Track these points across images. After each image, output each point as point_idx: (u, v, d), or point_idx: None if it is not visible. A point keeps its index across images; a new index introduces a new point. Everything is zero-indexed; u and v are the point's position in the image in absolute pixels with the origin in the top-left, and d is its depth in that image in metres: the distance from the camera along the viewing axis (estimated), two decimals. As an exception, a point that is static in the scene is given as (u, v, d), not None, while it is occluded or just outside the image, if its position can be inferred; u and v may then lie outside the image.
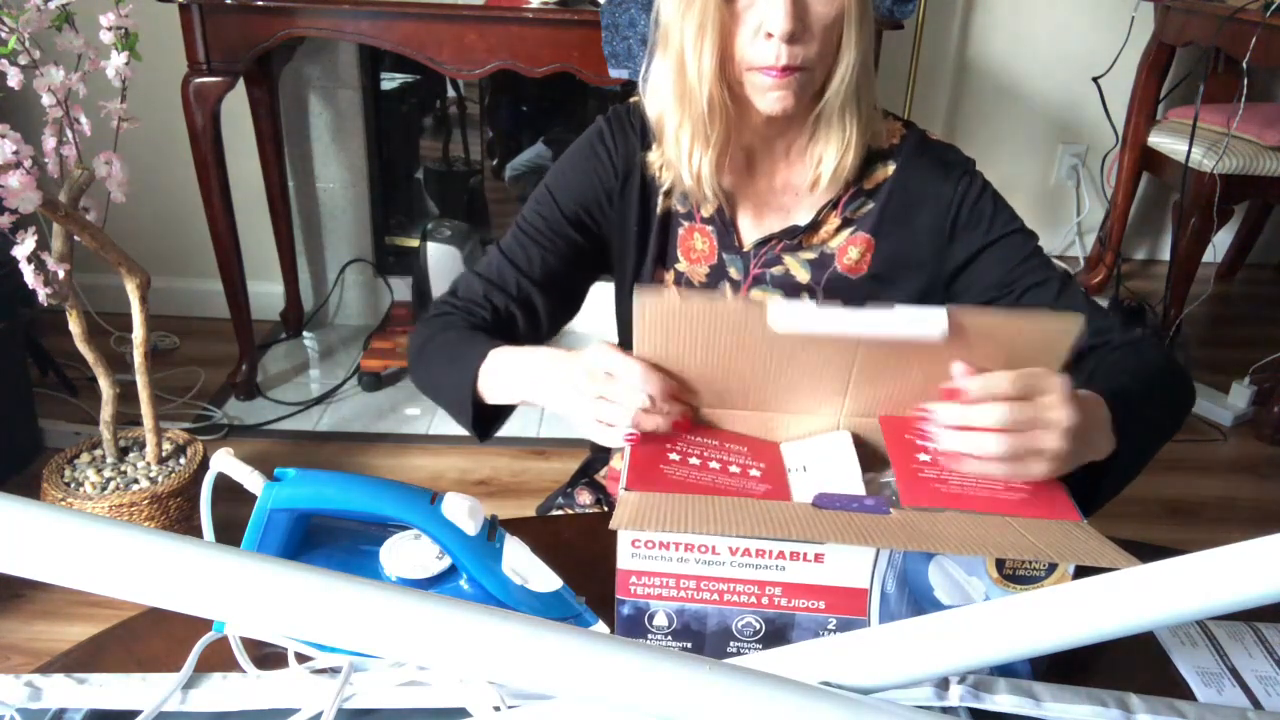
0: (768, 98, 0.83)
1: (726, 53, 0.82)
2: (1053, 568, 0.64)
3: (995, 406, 0.65)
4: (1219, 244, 2.97)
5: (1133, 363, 0.84)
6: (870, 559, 0.64)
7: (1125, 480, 0.76)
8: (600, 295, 1.03)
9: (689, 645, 0.68)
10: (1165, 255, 2.87)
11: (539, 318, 0.96)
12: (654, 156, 0.93)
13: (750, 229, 0.95)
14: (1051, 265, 0.90)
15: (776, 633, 0.67)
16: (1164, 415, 0.82)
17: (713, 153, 0.87)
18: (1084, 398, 0.70)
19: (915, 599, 0.65)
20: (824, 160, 0.88)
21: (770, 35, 0.79)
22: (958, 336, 0.68)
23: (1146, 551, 0.83)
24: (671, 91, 0.86)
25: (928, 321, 0.66)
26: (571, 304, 1.01)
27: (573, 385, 0.75)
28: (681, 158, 0.88)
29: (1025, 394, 0.66)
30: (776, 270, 0.94)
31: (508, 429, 0.93)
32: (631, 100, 0.97)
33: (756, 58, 0.81)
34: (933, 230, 0.91)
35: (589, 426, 0.74)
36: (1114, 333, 0.87)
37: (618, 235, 0.97)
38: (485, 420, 0.89)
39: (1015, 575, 0.64)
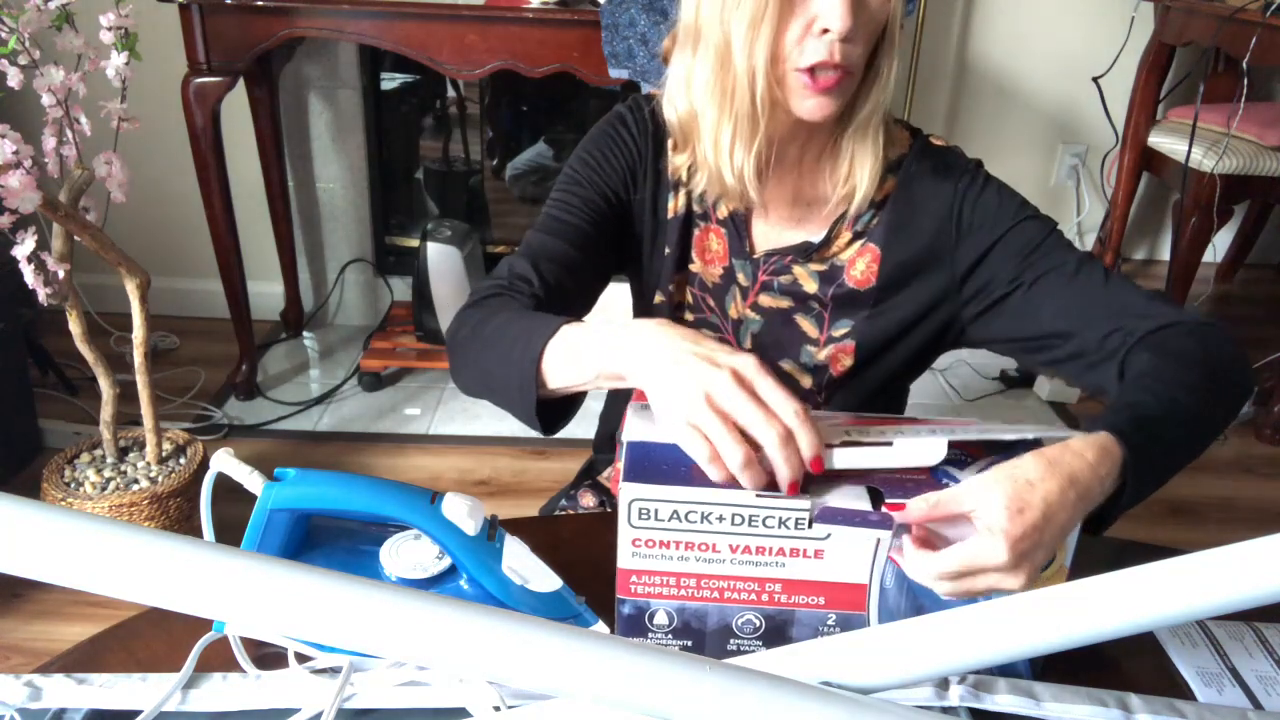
0: (808, 103, 0.79)
1: (774, 48, 0.78)
2: (1049, 561, 0.64)
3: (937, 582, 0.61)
4: (1219, 244, 2.97)
5: (1159, 366, 0.75)
6: (870, 554, 0.64)
7: (1147, 493, 0.70)
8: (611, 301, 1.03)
9: (689, 643, 0.68)
10: (1165, 255, 2.87)
11: (588, 289, 0.92)
12: (681, 159, 0.91)
13: (762, 237, 0.93)
14: (1070, 248, 0.86)
15: (776, 629, 0.67)
16: (1194, 425, 0.73)
17: (756, 151, 0.83)
18: (1066, 461, 0.61)
19: (913, 593, 0.65)
20: (859, 179, 0.85)
21: (825, 31, 0.76)
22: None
23: (1146, 551, 0.84)
24: (712, 89, 0.82)
25: (928, 451, 0.65)
26: (598, 286, 0.96)
27: (709, 383, 0.63)
28: (722, 158, 0.83)
29: (970, 567, 0.60)
30: (784, 279, 0.92)
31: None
32: (646, 93, 0.95)
33: (806, 55, 0.77)
34: (938, 234, 0.88)
35: (691, 441, 0.62)
36: (1128, 317, 0.81)
37: (646, 216, 0.95)
38: (549, 412, 0.78)
39: None
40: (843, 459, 0.64)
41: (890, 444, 0.64)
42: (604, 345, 0.70)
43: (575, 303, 0.90)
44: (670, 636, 0.68)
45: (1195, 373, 0.75)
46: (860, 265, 0.91)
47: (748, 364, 0.64)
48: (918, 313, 0.91)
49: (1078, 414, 2.43)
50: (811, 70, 0.78)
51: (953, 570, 0.60)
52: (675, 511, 0.63)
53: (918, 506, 0.61)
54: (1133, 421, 0.67)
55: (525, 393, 0.75)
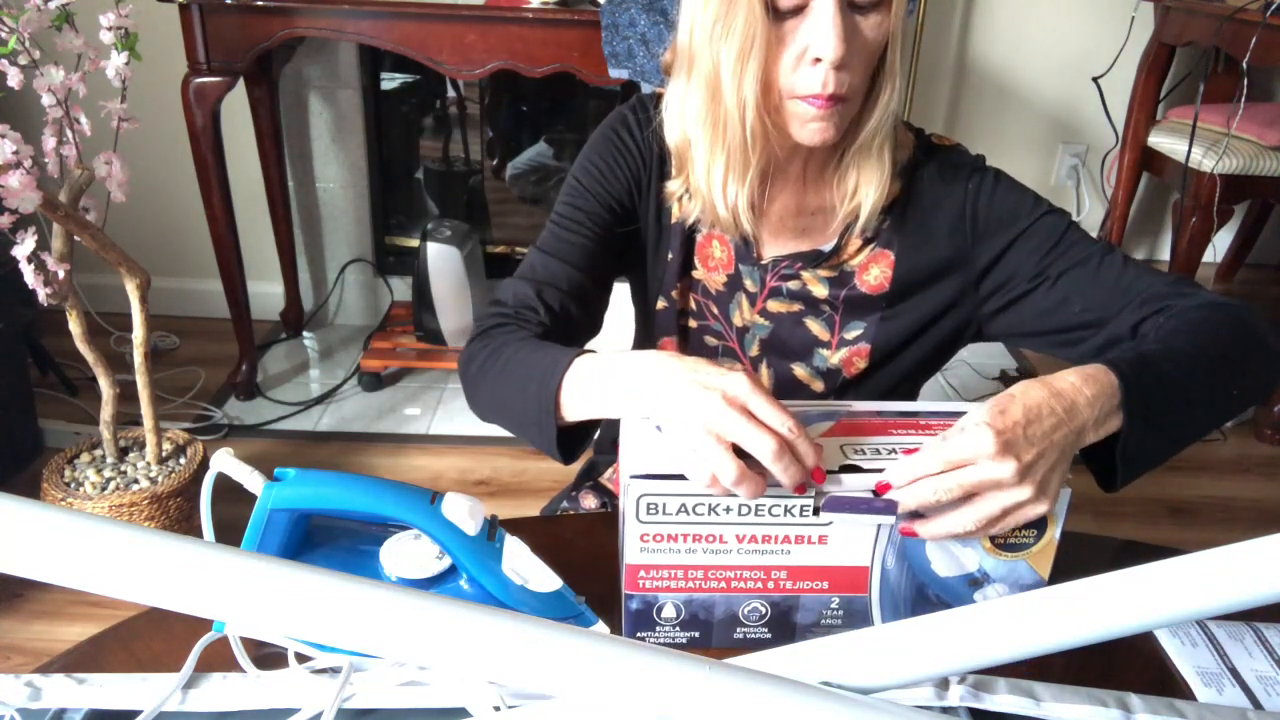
0: (808, 129, 0.78)
1: (767, 78, 0.77)
2: (1040, 534, 0.66)
3: (926, 486, 0.62)
4: (1219, 244, 2.97)
5: (1174, 326, 0.77)
6: (872, 537, 0.65)
7: (1160, 450, 0.70)
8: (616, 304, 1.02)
9: (696, 634, 0.69)
10: (1165, 255, 2.87)
11: (594, 311, 0.92)
12: (674, 186, 0.89)
13: (768, 246, 0.92)
14: (1088, 240, 0.85)
15: (782, 615, 0.68)
16: (1205, 376, 0.73)
17: (749, 185, 0.82)
18: (1049, 380, 0.65)
19: (913, 572, 0.67)
20: (865, 195, 0.84)
21: (817, 61, 0.74)
22: None
23: (1146, 551, 0.84)
24: (703, 119, 0.81)
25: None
26: (606, 296, 0.95)
27: (702, 408, 0.63)
28: (715, 191, 0.83)
29: (956, 460, 0.62)
30: (793, 285, 0.92)
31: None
32: (649, 92, 0.94)
33: (800, 85, 0.76)
34: (951, 234, 0.88)
35: (694, 465, 0.63)
36: (1158, 301, 0.80)
37: (650, 222, 0.95)
38: (567, 439, 0.78)
39: (1005, 544, 0.66)
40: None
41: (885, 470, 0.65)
42: (615, 376, 0.71)
43: (582, 324, 0.90)
44: (678, 629, 0.68)
45: (1210, 333, 0.76)
46: (874, 271, 0.90)
47: (738, 384, 0.63)
48: (934, 314, 0.91)
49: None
50: (807, 98, 0.77)
51: (948, 460, 0.62)
52: (683, 505, 0.64)
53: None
54: (1129, 358, 0.69)
55: (545, 428, 0.75)
